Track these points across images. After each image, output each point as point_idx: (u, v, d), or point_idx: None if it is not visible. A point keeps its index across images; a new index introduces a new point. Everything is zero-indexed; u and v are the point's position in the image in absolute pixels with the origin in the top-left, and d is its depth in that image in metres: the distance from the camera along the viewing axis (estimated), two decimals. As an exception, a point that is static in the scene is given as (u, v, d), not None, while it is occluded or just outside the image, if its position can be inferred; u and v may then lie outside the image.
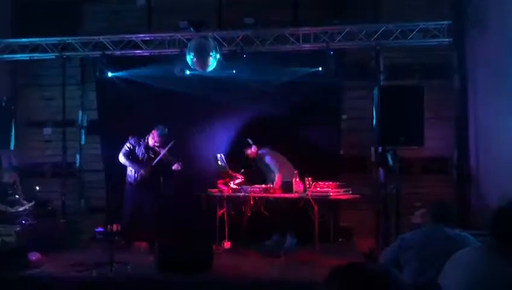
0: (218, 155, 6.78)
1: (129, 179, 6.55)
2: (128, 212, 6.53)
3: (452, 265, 2.40)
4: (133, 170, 6.51)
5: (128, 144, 6.55)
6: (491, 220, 2.26)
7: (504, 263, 2.14)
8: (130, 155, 6.52)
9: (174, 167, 6.53)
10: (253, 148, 6.79)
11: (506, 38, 5.33)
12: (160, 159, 6.49)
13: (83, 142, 7.98)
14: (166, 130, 6.56)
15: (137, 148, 6.54)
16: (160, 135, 6.52)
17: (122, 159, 6.53)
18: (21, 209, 6.56)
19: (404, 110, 5.40)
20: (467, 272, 2.22)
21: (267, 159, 6.75)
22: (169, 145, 6.45)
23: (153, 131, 6.56)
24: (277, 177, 6.55)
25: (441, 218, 3.38)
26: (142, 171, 6.45)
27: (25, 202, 6.70)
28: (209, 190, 6.72)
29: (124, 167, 6.59)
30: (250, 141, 6.80)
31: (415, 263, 3.28)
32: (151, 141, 6.56)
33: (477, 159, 6.45)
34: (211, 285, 4.97)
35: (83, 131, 7.99)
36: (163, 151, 6.47)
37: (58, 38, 7.31)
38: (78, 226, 7.24)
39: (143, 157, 6.53)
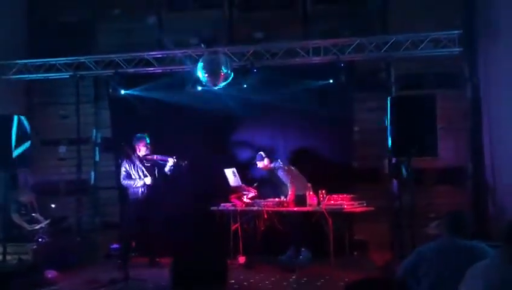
0: (231, 170, 6.79)
1: (133, 196, 6.56)
2: (134, 229, 6.55)
3: (470, 278, 2.36)
4: (137, 186, 6.52)
5: (123, 168, 6.60)
6: (506, 230, 2.23)
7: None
8: (130, 176, 6.56)
9: (169, 165, 6.50)
10: (266, 162, 6.80)
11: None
12: (157, 164, 6.51)
13: (97, 159, 8.07)
14: (146, 135, 6.60)
15: (132, 167, 6.56)
16: (144, 142, 6.58)
17: (124, 182, 6.60)
18: (37, 227, 6.64)
19: (417, 120, 5.36)
20: (485, 284, 2.18)
21: (280, 173, 6.75)
22: (149, 147, 6.51)
23: (135, 143, 6.62)
24: (290, 191, 6.54)
25: (456, 229, 3.32)
26: (146, 181, 6.45)
27: (41, 219, 6.78)
28: (222, 204, 6.72)
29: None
30: (263, 154, 6.81)
31: (432, 276, 3.23)
32: (140, 153, 6.61)
33: (493, 169, 6.37)
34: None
35: (97, 148, 8.10)
36: (155, 156, 6.50)
37: (72, 58, 7.44)
38: (93, 243, 7.28)
39: (142, 170, 6.54)
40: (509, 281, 2.09)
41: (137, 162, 6.56)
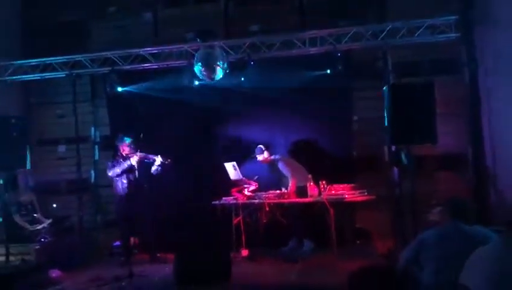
0: (231, 163, 6.78)
1: (118, 192, 6.54)
2: (124, 227, 6.55)
3: (474, 263, 2.37)
4: (120, 183, 6.49)
5: (108, 164, 6.63)
6: (509, 217, 2.22)
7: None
8: (113, 166, 6.54)
9: (156, 164, 6.45)
10: (266, 154, 6.80)
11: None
12: (141, 162, 6.45)
13: (96, 157, 8.07)
14: (127, 137, 6.57)
15: (117, 165, 6.54)
16: (126, 143, 6.55)
17: (110, 172, 6.56)
18: (39, 227, 6.64)
19: (416, 107, 5.33)
20: (488, 268, 2.18)
21: (280, 165, 6.75)
22: (136, 145, 6.45)
23: (118, 144, 6.62)
24: (291, 183, 6.54)
25: (458, 215, 3.33)
26: (131, 161, 6.39)
27: (43, 219, 6.78)
28: (224, 198, 6.73)
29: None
30: (262, 147, 6.81)
31: (435, 262, 3.23)
32: (124, 153, 6.58)
33: (494, 154, 6.36)
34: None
35: (96, 147, 8.10)
36: (138, 153, 6.43)
37: (67, 57, 7.41)
38: (96, 241, 7.29)
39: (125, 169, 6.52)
40: (510, 266, 2.09)
41: (121, 161, 6.53)
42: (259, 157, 6.84)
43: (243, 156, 7.22)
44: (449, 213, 3.36)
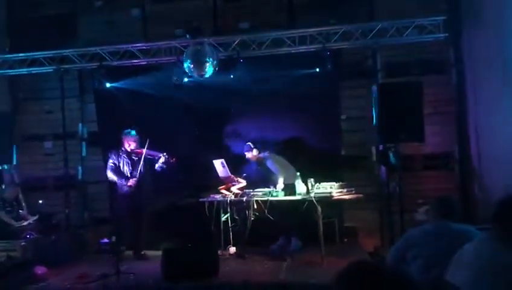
0: (220, 161, 6.77)
1: (122, 190, 6.50)
2: (127, 223, 6.50)
3: (458, 260, 2.39)
4: (122, 182, 6.47)
5: (111, 160, 6.54)
6: (493, 212, 2.26)
7: (508, 253, 2.13)
8: (117, 169, 6.51)
9: (161, 161, 6.46)
10: (255, 152, 6.80)
11: (504, 31, 5.33)
12: (145, 159, 6.43)
13: (84, 154, 8.00)
14: (133, 131, 6.55)
15: (120, 160, 6.52)
16: (133, 137, 6.52)
17: (110, 175, 6.54)
18: (25, 223, 6.57)
19: (404, 106, 5.39)
20: (473, 265, 2.21)
21: (269, 163, 6.75)
22: (147, 143, 6.38)
23: (124, 137, 6.56)
24: (279, 180, 6.54)
25: (444, 213, 3.37)
26: (129, 183, 6.40)
27: (29, 216, 6.71)
28: (212, 195, 6.71)
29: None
30: (251, 144, 6.80)
31: (422, 260, 3.27)
32: (128, 147, 6.55)
33: (479, 153, 6.44)
34: (217, 291, 4.96)
35: (83, 143, 8.03)
36: (144, 150, 6.40)
37: (55, 52, 7.34)
38: (83, 238, 7.24)
39: (129, 164, 6.50)
40: (500, 263, 2.12)
41: (124, 156, 6.51)
42: (248, 155, 6.84)
43: (232, 153, 7.22)
44: (435, 211, 3.39)
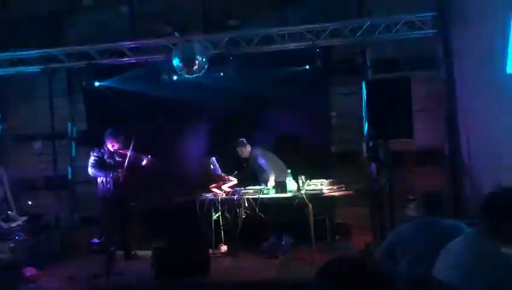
0: (210, 159, 6.75)
1: (101, 193, 6.40)
2: (112, 224, 6.43)
3: (446, 256, 2.39)
4: (104, 181, 6.36)
5: (92, 158, 6.42)
6: (481, 207, 2.26)
7: (495, 249, 2.14)
8: (100, 164, 6.39)
9: (144, 163, 6.39)
10: (248, 148, 6.77)
11: (487, 29, 5.35)
12: (129, 160, 6.27)
13: (73, 154, 7.94)
14: (114, 131, 6.45)
15: (104, 157, 6.43)
16: (116, 138, 6.42)
17: (92, 171, 6.39)
18: (14, 224, 6.51)
19: (393, 103, 5.38)
20: (460, 261, 2.22)
21: (260, 160, 6.74)
22: (132, 144, 6.23)
23: (107, 138, 6.45)
24: (270, 178, 6.54)
25: (433, 209, 3.38)
26: (118, 173, 6.27)
27: (18, 217, 6.65)
28: (202, 194, 6.69)
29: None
30: (244, 140, 6.77)
31: (410, 256, 3.27)
32: (111, 148, 6.46)
33: (469, 149, 6.47)
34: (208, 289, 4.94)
35: (73, 143, 7.97)
36: (128, 152, 6.24)
37: (43, 51, 7.27)
38: (73, 239, 7.19)
39: (111, 163, 6.43)
40: (484, 254, 2.12)
41: (107, 156, 6.43)
42: (241, 151, 6.81)
43: (222, 151, 7.20)
44: (423, 207, 3.40)
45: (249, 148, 6.78)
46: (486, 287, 2.01)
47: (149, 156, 6.38)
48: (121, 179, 6.24)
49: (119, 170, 6.29)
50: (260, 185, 6.65)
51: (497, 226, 2.17)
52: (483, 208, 2.25)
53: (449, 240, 2.55)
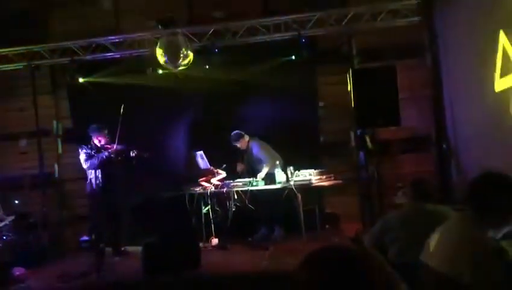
0: (199, 153, 6.72)
1: (91, 187, 6.32)
2: (100, 220, 6.37)
3: (433, 241, 2.40)
4: (93, 178, 6.30)
5: (83, 153, 6.35)
6: (466, 192, 2.27)
7: (481, 233, 2.15)
8: (91, 156, 6.32)
9: (132, 155, 6.31)
10: (246, 138, 6.72)
11: (472, 10, 5.35)
12: (116, 152, 6.26)
13: (60, 151, 7.85)
14: (98, 126, 6.38)
15: (92, 153, 6.36)
16: (101, 132, 6.36)
17: (87, 164, 6.31)
18: (1, 224, 6.42)
19: (379, 91, 5.41)
20: (445, 243, 2.22)
21: (258, 150, 6.69)
22: (117, 136, 6.17)
23: (92, 134, 6.39)
24: (265, 168, 6.51)
25: (420, 196, 3.40)
26: (108, 153, 6.22)
27: (4, 217, 6.56)
28: (192, 188, 6.66)
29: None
30: (242, 132, 6.73)
31: (399, 243, 3.29)
32: (98, 143, 6.40)
33: (455, 135, 6.50)
34: (199, 283, 4.93)
35: (59, 140, 7.86)
36: (115, 145, 6.23)
37: (25, 47, 7.15)
38: (62, 237, 7.13)
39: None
40: (468, 240, 2.13)
41: (94, 151, 6.35)
42: (238, 143, 6.75)
43: (210, 144, 7.16)
44: (411, 194, 3.42)
45: (247, 138, 6.74)
46: (473, 271, 2.02)
47: (135, 150, 6.29)
48: (113, 156, 6.19)
49: (110, 150, 6.22)
50: (255, 176, 6.62)
51: (483, 211, 2.18)
52: (469, 193, 2.26)
53: (437, 226, 2.56)
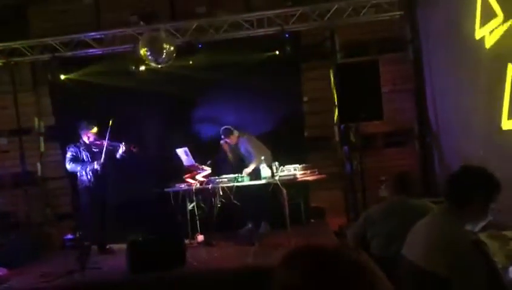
0: (183, 149, 6.67)
1: (82, 183, 6.26)
2: (91, 216, 6.31)
3: (413, 235, 2.43)
4: (85, 174, 6.23)
5: (69, 153, 6.27)
6: (445, 186, 2.30)
7: (458, 227, 2.18)
8: (75, 159, 6.26)
9: (121, 151, 6.26)
10: (236, 134, 6.66)
11: (453, 8, 5.41)
12: (107, 149, 6.19)
13: (42, 149, 7.75)
14: (87, 122, 6.28)
15: (79, 152, 6.28)
16: (90, 129, 6.26)
17: (70, 166, 6.26)
18: (-17, 224, 6.34)
19: (361, 86, 5.43)
20: (425, 239, 2.25)
21: (245, 146, 6.64)
22: (108, 133, 6.10)
23: (81, 131, 6.29)
24: (254, 163, 6.48)
25: (402, 189, 3.42)
26: (95, 165, 6.17)
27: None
28: (177, 185, 6.63)
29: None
30: (231, 127, 6.67)
31: (381, 237, 3.32)
32: (87, 140, 6.32)
33: (438, 128, 6.58)
34: (185, 280, 4.92)
35: (41, 138, 7.76)
36: (105, 141, 6.15)
37: (4, 44, 7.03)
38: (46, 236, 7.04)
39: (89, 157, 6.27)
40: (446, 234, 2.15)
41: (83, 148, 6.30)
42: (229, 139, 6.69)
43: (196, 140, 7.14)
44: (392, 188, 3.45)
45: (236, 134, 6.70)
46: (450, 265, 2.04)
47: (123, 143, 6.24)
48: (99, 170, 6.13)
49: (96, 162, 6.17)
50: (235, 173, 6.60)
51: (461, 204, 2.21)
52: (447, 187, 2.28)
53: (418, 220, 2.59)
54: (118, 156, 6.29)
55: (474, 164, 2.37)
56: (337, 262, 1.17)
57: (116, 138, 6.34)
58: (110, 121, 6.03)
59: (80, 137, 6.34)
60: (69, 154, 6.28)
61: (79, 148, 6.28)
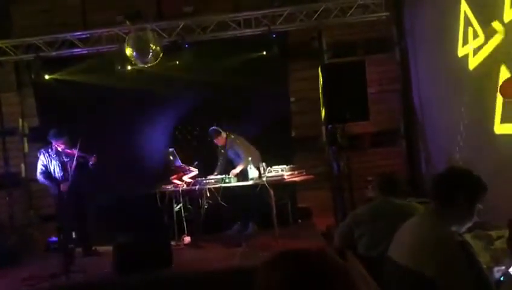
0: (170, 150, 6.62)
1: (54, 191, 6.10)
2: (69, 221, 6.16)
3: (399, 236, 2.42)
4: (58, 176, 6.08)
5: (40, 162, 6.11)
6: (430, 187, 2.29)
7: (444, 228, 2.17)
8: (48, 174, 6.08)
9: (91, 163, 6.04)
10: (224, 135, 6.61)
11: (438, 10, 5.44)
12: (77, 160, 5.98)
13: (26, 150, 7.62)
14: (57, 131, 6.10)
15: (50, 161, 6.11)
16: (60, 138, 6.06)
17: (41, 179, 6.13)
18: (-35, 227, 6.21)
19: (348, 86, 5.44)
20: (411, 240, 2.24)
21: (233, 148, 6.60)
22: (78, 144, 5.92)
23: (51, 139, 6.09)
24: (242, 164, 6.44)
25: (388, 190, 3.42)
26: (61, 189, 5.99)
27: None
28: (163, 186, 6.57)
29: None
30: (219, 128, 6.62)
31: (368, 237, 3.32)
32: (59, 147, 6.11)
33: (424, 129, 6.62)
34: (171, 282, 4.88)
35: (25, 139, 7.63)
36: (75, 152, 5.94)
37: (-14, 43, 6.91)
38: (30, 238, 6.93)
39: (59, 166, 6.12)
40: (432, 235, 2.15)
41: (54, 156, 6.13)
42: (217, 140, 6.64)
43: (184, 141, 7.09)
44: (379, 189, 3.44)
45: (224, 135, 6.65)
46: (437, 266, 2.04)
47: (94, 156, 6.02)
48: (65, 194, 5.97)
49: (62, 185, 6.00)
50: (222, 174, 6.56)
51: (446, 205, 2.21)
52: (433, 188, 2.28)
53: (404, 221, 2.58)
54: (90, 165, 6.11)
55: (460, 166, 2.37)
56: (318, 264, 1.16)
57: (101, 139, 6.23)
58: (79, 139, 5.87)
59: (51, 144, 6.16)
60: (40, 165, 6.10)
61: (50, 156, 6.11)
